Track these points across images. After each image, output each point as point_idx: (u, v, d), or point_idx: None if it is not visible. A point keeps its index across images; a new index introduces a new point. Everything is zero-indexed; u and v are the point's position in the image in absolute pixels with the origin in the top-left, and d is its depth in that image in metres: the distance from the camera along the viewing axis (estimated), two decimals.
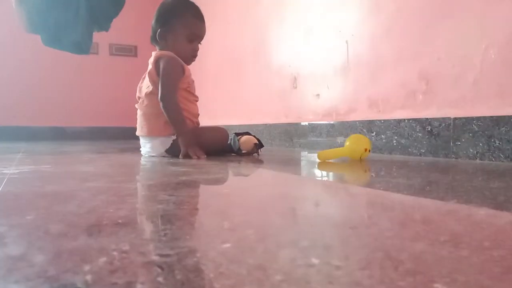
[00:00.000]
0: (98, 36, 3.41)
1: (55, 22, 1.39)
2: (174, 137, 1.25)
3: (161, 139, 1.26)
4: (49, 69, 3.26)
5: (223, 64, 2.52)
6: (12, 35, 3.08)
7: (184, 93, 1.30)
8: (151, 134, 1.28)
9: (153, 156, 1.28)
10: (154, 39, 1.35)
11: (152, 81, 1.26)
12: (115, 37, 3.44)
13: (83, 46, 1.46)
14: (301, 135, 1.78)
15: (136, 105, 1.33)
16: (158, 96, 1.24)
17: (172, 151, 1.26)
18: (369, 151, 1.13)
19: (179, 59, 1.28)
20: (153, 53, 1.31)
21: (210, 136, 1.31)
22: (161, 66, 1.24)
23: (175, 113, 1.23)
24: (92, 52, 3.43)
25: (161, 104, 1.23)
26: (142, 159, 1.21)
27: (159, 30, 1.30)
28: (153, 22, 1.34)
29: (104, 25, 1.52)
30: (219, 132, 1.34)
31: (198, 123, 1.37)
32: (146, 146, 1.32)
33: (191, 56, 1.34)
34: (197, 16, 1.33)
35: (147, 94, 1.27)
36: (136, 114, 1.34)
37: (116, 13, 1.51)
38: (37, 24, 1.40)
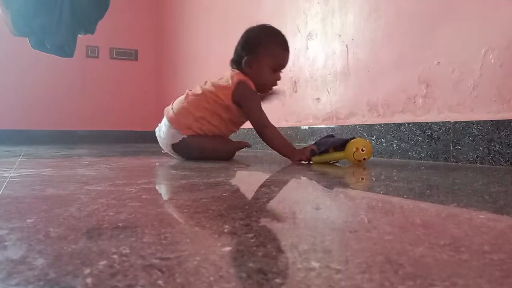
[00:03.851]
0: (98, 40, 3.43)
1: (39, 26, 1.40)
2: (185, 136, 1.26)
3: (176, 132, 1.27)
4: (49, 73, 3.27)
5: (224, 69, 2.52)
6: (12, 38, 3.09)
7: (230, 122, 1.32)
8: (175, 124, 1.28)
9: (161, 148, 1.34)
10: (236, 63, 1.33)
11: (219, 94, 1.26)
12: (115, 41, 3.45)
13: (67, 50, 1.49)
14: (301, 139, 1.78)
15: (183, 96, 1.32)
16: (212, 104, 1.26)
17: (178, 149, 1.28)
18: (362, 150, 1.07)
19: (255, 91, 1.29)
20: (234, 72, 1.30)
21: (213, 149, 1.29)
22: (244, 92, 1.26)
23: (281, 139, 1.25)
24: (93, 56, 3.44)
25: (262, 132, 1.25)
26: (142, 162, 1.21)
27: (245, 57, 1.28)
28: (238, 47, 1.32)
29: (89, 28, 1.53)
30: (226, 145, 1.34)
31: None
32: (161, 130, 1.33)
33: (271, 86, 1.33)
34: (284, 46, 1.29)
35: (205, 96, 1.28)
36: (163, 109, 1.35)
37: (100, 16, 1.52)
38: (22, 28, 1.42)
